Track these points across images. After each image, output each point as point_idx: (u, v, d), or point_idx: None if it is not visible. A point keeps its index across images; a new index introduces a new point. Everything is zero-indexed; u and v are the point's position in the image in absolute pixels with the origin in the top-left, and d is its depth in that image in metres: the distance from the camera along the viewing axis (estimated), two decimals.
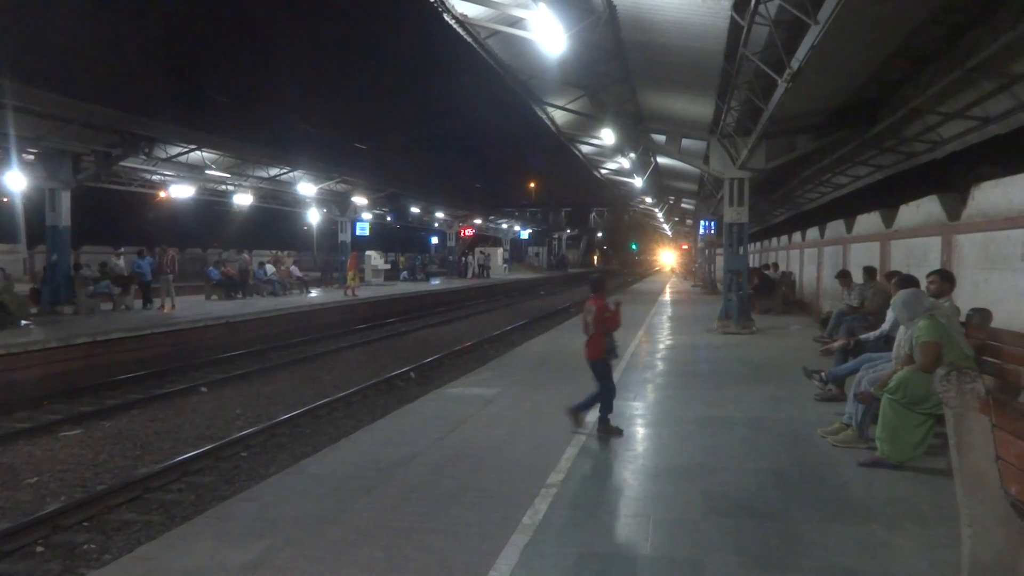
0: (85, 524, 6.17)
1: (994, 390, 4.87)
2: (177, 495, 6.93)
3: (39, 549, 5.70)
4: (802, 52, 7.34)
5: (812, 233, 19.38)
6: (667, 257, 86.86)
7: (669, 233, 59.58)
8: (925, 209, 10.45)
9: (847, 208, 17.86)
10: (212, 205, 31.91)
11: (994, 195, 8.15)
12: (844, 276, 10.95)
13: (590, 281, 6.82)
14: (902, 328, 5.63)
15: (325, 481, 5.20)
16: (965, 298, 7.40)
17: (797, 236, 22.10)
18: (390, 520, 4.37)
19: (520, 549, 3.88)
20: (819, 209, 24.94)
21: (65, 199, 17.16)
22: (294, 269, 27.34)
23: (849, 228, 15.05)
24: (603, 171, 26.42)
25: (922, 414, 4.98)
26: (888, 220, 12.32)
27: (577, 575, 3.60)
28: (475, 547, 3.94)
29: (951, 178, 19.58)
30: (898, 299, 5.37)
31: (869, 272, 10.24)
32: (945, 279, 6.20)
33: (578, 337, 6.98)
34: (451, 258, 47.11)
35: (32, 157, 17.16)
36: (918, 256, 10.36)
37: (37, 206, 18.23)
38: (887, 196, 15.73)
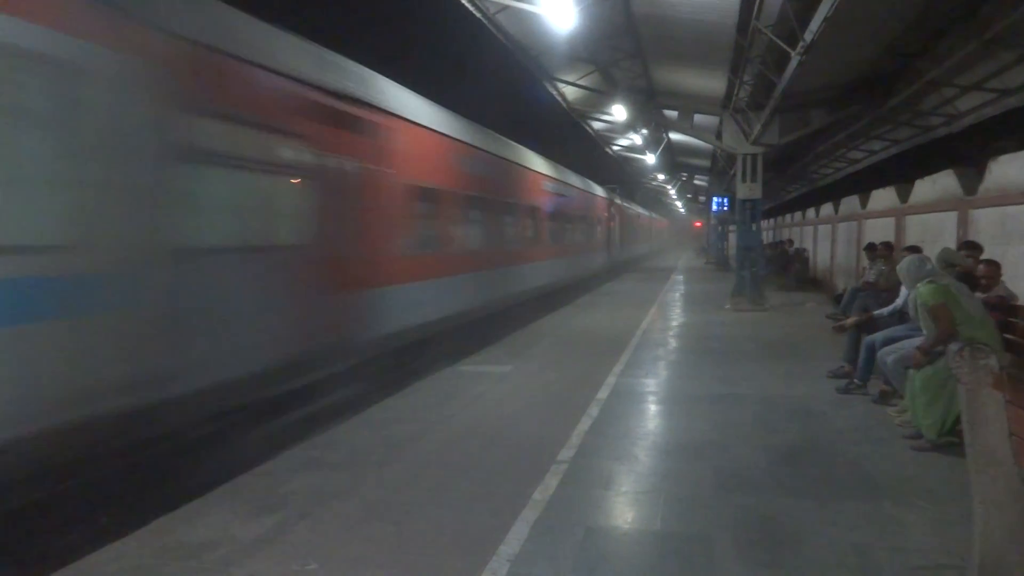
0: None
1: (1009, 366, 4.83)
2: (190, 468, 7.00)
3: None
4: (815, 24, 7.21)
5: (826, 209, 19.22)
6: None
7: (683, 210, 59.23)
8: (941, 184, 10.32)
9: (862, 183, 17.65)
10: None
11: (1011, 169, 8.03)
12: (871, 248, 10.56)
13: None
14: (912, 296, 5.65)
15: (337, 456, 5.24)
16: None
17: (811, 212, 21.92)
18: (401, 495, 4.40)
19: (530, 524, 3.90)
20: (833, 185, 24.66)
21: None
22: None
23: (864, 204, 14.90)
24: (615, 148, 26.23)
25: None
26: (903, 195, 12.18)
27: (587, 550, 3.61)
28: (485, 522, 3.96)
29: (968, 152, 19.30)
30: (901, 266, 5.48)
31: (887, 247, 9.97)
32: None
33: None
34: None
35: None
36: (934, 231, 10.25)
37: None
38: (902, 171, 15.53)
